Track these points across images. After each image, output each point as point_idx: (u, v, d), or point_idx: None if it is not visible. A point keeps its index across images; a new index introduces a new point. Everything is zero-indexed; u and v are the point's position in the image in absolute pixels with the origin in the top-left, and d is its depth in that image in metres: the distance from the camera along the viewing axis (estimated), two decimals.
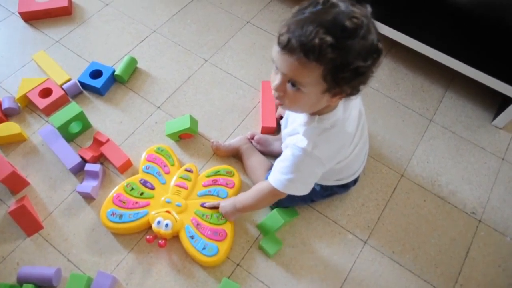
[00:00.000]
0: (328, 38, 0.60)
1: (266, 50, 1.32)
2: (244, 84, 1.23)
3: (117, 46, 1.29)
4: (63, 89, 1.14)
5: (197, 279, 0.91)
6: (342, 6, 0.63)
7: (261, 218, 0.99)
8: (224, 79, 1.24)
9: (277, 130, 1.12)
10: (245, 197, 0.91)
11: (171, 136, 1.09)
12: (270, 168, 1.01)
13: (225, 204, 0.94)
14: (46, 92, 1.13)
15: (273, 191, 0.83)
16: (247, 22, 1.39)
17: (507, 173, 1.12)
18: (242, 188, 1.03)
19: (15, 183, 0.98)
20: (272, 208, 0.99)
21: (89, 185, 0.98)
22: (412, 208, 1.05)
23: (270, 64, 1.26)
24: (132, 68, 1.21)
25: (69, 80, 1.17)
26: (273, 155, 1.06)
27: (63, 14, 1.33)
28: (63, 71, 1.19)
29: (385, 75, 1.28)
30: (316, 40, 0.60)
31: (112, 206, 0.95)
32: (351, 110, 0.81)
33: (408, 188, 1.08)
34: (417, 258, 0.98)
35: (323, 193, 0.97)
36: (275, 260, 0.95)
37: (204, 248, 0.90)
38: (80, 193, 0.98)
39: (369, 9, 0.65)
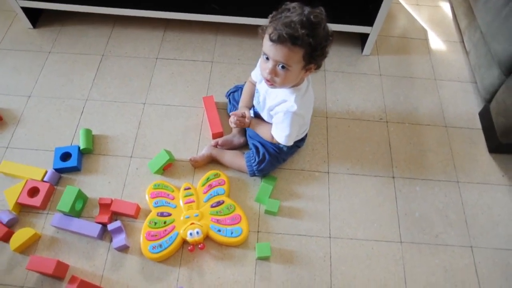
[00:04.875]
0: (305, 30, 0.94)
1: (184, 75, 1.58)
2: (184, 107, 1.49)
3: (64, 126, 1.43)
4: (45, 181, 1.28)
5: (238, 257, 1.20)
6: (306, 9, 0.97)
7: (255, 194, 1.30)
8: (167, 111, 1.48)
9: (225, 133, 1.41)
10: (261, 127, 1.26)
11: (157, 172, 1.32)
12: (241, 155, 1.32)
13: (252, 119, 1.26)
14: (33, 191, 1.26)
15: (274, 139, 1.21)
16: (156, 58, 1.62)
17: (385, 83, 1.59)
18: (232, 181, 1.32)
19: (61, 270, 1.14)
20: (255, 175, 1.31)
21: (121, 238, 1.18)
22: (344, 135, 1.45)
23: (194, 85, 1.54)
24: (91, 138, 1.38)
25: (46, 172, 1.30)
26: (236, 149, 1.38)
27: None
28: (35, 168, 1.31)
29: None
30: (299, 32, 0.93)
31: (149, 243, 1.17)
32: (310, 82, 1.18)
33: (334, 123, 1.47)
34: (363, 165, 1.38)
35: (289, 151, 1.31)
36: (280, 215, 1.27)
37: (232, 233, 1.19)
38: (117, 248, 1.18)
39: (322, 9, 0.98)
